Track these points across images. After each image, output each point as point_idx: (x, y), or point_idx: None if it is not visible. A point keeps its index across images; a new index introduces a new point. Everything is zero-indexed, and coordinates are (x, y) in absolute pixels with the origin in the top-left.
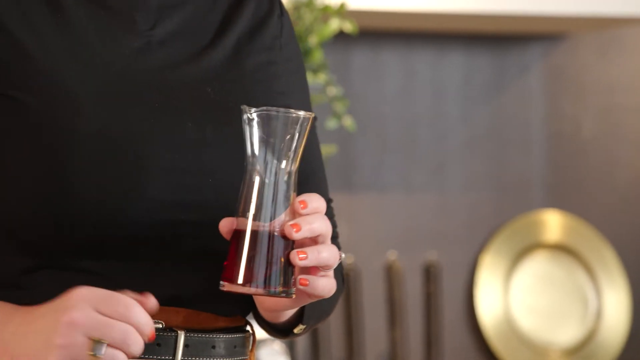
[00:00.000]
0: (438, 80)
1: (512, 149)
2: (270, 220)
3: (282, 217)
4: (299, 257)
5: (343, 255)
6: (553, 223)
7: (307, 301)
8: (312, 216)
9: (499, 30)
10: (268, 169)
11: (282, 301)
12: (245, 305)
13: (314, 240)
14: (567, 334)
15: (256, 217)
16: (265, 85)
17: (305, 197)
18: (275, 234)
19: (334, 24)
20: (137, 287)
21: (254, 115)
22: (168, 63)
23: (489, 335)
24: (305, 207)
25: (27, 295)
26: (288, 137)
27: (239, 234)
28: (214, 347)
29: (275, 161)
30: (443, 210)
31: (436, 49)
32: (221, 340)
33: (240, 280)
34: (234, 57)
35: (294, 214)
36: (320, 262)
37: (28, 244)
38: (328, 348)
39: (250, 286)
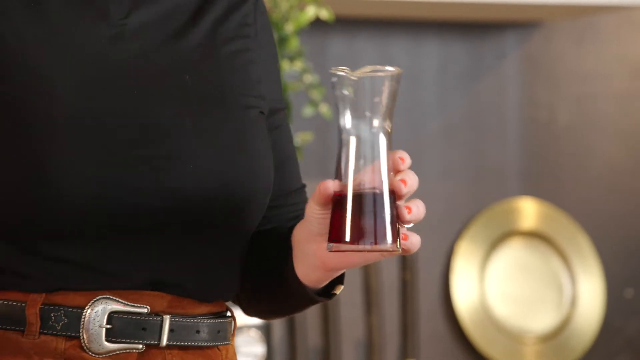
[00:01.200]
0: (414, 68)
1: (488, 137)
2: (372, 178)
3: (383, 173)
4: (407, 213)
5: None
6: (528, 211)
7: (371, 260)
8: (411, 171)
9: (474, 18)
10: (364, 129)
11: (349, 261)
12: (227, 291)
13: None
14: (542, 321)
15: (358, 177)
16: (241, 73)
17: (400, 152)
18: (378, 191)
19: (310, 12)
20: (120, 274)
21: (345, 78)
22: (143, 52)
23: (464, 323)
24: (404, 162)
25: (5, 281)
26: (382, 95)
27: (342, 195)
28: (198, 331)
29: (372, 120)
30: (419, 197)
31: (412, 36)
32: (205, 325)
33: (348, 238)
34: (209, 43)
35: (394, 170)
36: (420, 217)
37: (5, 230)
38: (304, 335)
39: (359, 244)
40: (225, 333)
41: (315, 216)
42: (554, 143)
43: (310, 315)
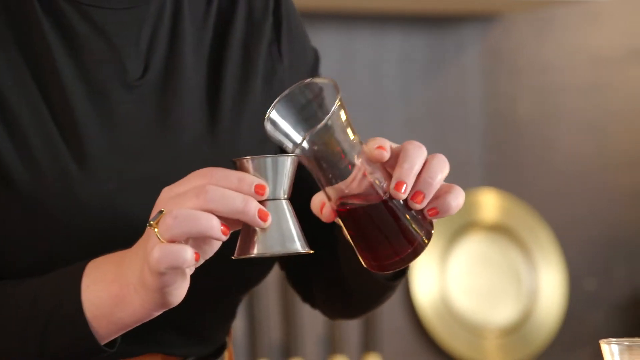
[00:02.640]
0: (377, 61)
1: (450, 128)
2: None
3: (380, 180)
4: (417, 203)
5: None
6: (490, 203)
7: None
8: (406, 156)
9: (435, 11)
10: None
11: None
12: (218, 341)
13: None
14: (503, 314)
15: (360, 194)
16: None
17: (378, 141)
18: (385, 198)
19: None
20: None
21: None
22: (163, 123)
23: (425, 316)
24: (384, 150)
25: None
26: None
27: (356, 216)
28: None
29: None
30: None
31: (375, 30)
32: None
33: (389, 258)
34: (236, 101)
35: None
36: (435, 187)
37: None
38: (266, 331)
39: (399, 258)
40: None
41: None
42: (515, 135)
43: (272, 311)
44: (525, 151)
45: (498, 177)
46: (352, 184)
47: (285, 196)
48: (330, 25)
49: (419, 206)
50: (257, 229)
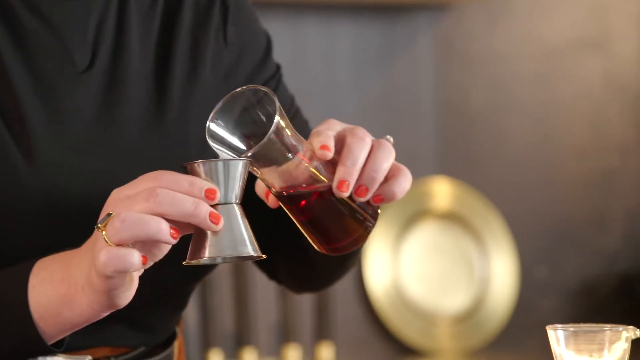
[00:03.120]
0: (328, 50)
1: (402, 118)
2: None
3: (321, 173)
4: (361, 197)
5: (391, 139)
6: (442, 191)
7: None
8: (346, 157)
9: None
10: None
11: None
12: (167, 331)
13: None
14: (456, 301)
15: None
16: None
17: (323, 139)
18: (326, 193)
19: None
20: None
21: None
22: (111, 114)
23: (378, 304)
24: (328, 150)
25: None
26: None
27: (299, 205)
28: None
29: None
30: None
31: (325, 18)
32: None
33: (339, 243)
34: (185, 90)
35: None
36: (380, 180)
37: None
38: (219, 320)
39: (348, 242)
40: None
41: None
42: (467, 124)
43: (225, 299)
44: (477, 140)
45: (450, 166)
46: (295, 174)
47: (237, 200)
48: (281, 14)
49: (363, 199)
50: (208, 233)
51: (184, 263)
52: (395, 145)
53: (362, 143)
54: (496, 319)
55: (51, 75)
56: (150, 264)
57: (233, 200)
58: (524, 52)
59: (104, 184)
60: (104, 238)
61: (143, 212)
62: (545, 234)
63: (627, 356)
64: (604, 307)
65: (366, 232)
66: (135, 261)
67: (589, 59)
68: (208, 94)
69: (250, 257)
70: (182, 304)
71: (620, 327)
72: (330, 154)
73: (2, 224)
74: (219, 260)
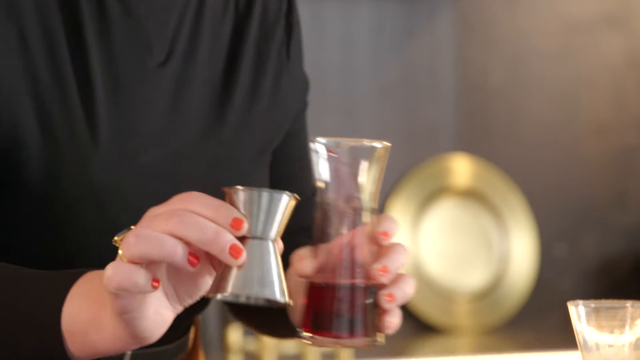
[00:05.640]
0: (347, 30)
1: (422, 96)
2: (350, 263)
3: (358, 261)
4: (388, 300)
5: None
6: (461, 168)
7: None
8: (395, 252)
9: None
10: (345, 206)
11: None
12: (190, 322)
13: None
14: (475, 279)
15: (335, 262)
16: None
17: (384, 223)
18: (357, 281)
19: None
20: None
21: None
22: (175, 112)
23: None
24: (387, 237)
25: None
26: (362, 167)
27: (315, 284)
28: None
29: (356, 196)
30: None
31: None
32: (166, 352)
33: (323, 330)
34: (247, 99)
35: (372, 244)
36: (406, 298)
37: None
38: None
39: (332, 337)
40: (184, 347)
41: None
42: (487, 101)
43: None
44: (497, 117)
45: (470, 143)
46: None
47: (273, 237)
48: None
49: (387, 306)
50: (234, 268)
51: (204, 295)
52: (415, 123)
53: (404, 255)
54: (515, 297)
55: (128, 64)
56: (187, 300)
57: (269, 236)
58: (545, 28)
59: (155, 182)
60: (119, 253)
61: (163, 232)
62: (565, 212)
63: None
64: (623, 286)
65: (370, 340)
66: (140, 281)
67: (610, 35)
68: (265, 106)
69: (275, 303)
70: (205, 304)
71: None
72: (386, 279)
73: (62, 211)
74: (242, 299)
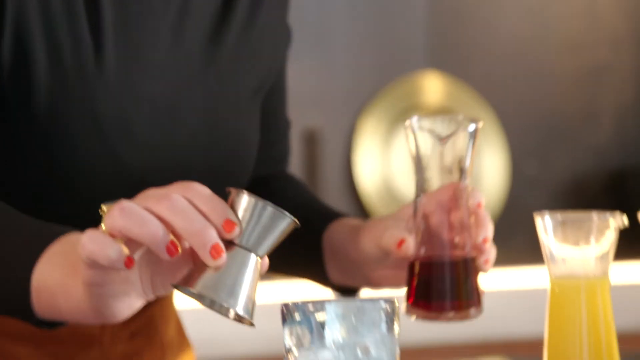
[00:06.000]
0: None
1: (393, 12)
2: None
3: (465, 236)
4: (486, 265)
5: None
6: (432, 86)
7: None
8: (489, 222)
9: None
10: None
11: (399, 284)
12: None
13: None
14: None
15: (436, 237)
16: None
17: (478, 194)
18: (461, 256)
19: None
20: None
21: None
22: (177, 43)
23: (368, 200)
24: (481, 207)
25: None
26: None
27: (423, 260)
28: None
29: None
30: (324, 70)
31: None
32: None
33: (432, 306)
34: (242, 33)
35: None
36: (494, 259)
37: None
38: None
39: (441, 312)
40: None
41: (380, 266)
42: (459, 18)
43: None
44: (468, 34)
45: (441, 60)
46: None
47: (261, 254)
48: None
49: (487, 269)
50: (211, 268)
51: (171, 284)
52: (385, 41)
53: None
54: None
55: None
56: (160, 291)
57: (257, 251)
58: None
59: (156, 113)
60: (102, 222)
61: (150, 212)
62: (535, 129)
63: (613, 247)
64: (593, 203)
65: (474, 310)
66: (113, 255)
67: None
68: (266, 35)
69: (239, 318)
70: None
71: (608, 214)
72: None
73: (63, 146)
74: (206, 302)
